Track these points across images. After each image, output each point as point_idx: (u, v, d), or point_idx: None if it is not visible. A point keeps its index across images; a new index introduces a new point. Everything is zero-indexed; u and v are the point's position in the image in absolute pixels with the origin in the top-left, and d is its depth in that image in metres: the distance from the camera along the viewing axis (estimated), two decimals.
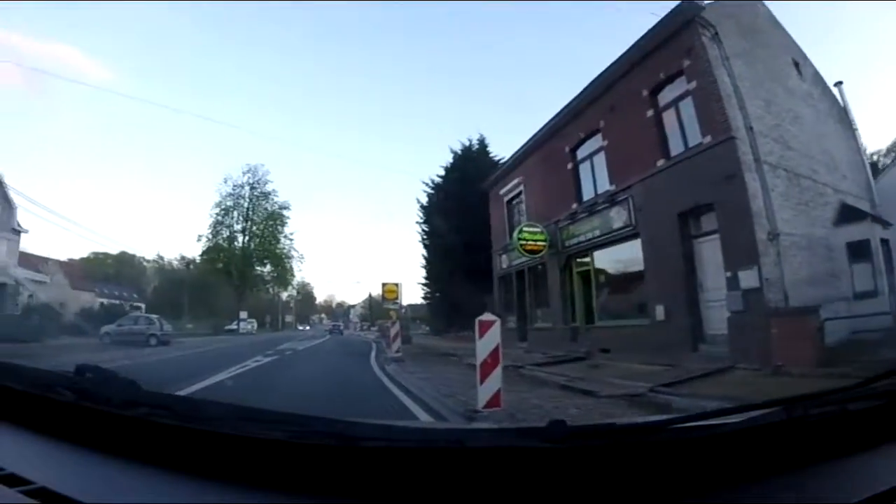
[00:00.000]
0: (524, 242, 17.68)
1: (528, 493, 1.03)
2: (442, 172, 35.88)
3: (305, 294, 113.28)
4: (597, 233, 15.65)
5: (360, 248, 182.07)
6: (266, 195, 64.72)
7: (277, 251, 64.33)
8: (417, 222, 38.94)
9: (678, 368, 9.98)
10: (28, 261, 42.36)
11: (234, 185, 63.14)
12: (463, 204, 30.32)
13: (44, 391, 1.36)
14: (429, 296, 42.17)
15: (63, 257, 56.50)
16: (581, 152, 17.09)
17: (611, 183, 15.11)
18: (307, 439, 1.15)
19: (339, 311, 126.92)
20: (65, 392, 1.33)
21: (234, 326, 53.85)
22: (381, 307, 75.98)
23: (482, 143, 35.57)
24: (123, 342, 23.74)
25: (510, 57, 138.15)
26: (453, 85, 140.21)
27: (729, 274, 10.80)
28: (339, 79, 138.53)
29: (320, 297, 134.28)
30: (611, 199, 14.87)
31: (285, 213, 65.24)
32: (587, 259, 16.62)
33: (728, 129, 10.98)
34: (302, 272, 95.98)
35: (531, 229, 17.81)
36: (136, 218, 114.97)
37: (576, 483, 1.05)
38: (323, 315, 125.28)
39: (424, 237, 38.44)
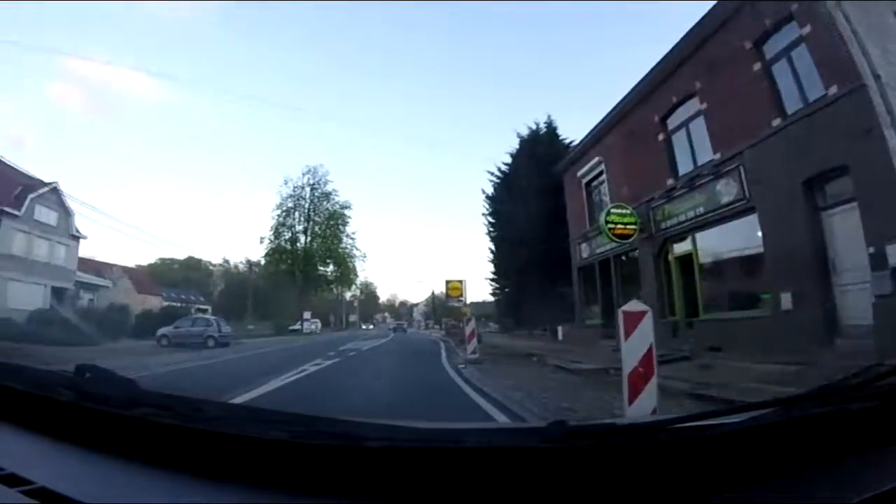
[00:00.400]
0: (613, 226, 16.32)
1: (529, 493, 1.04)
2: (508, 160, 34.82)
3: (368, 293, 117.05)
4: (700, 210, 14.15)
5: (423, 246, 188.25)
6: (327, 195, 66.59)
7: (339, 251, 66.33)
8: (483, 214, 37.85)
9: (816, 368, 8.61)
10: (91, 266, 46.05)
11: (295, 187, 65.60)
12: (533, 191, 29.08)
13: (44, 391, 1.39)
14: (497, 292, 41.23)
15: (132, 264, 62.22)
16: (674, 120, 15.62)
17: (714, 152, 13.64)
18: (308, 439, 1.16)
19: (401, 310, 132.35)
20: (65, 392, 1.35)
21: (297, 327, 55.57)
22: (444, 305, 76.80)
23: (550, 127, 34.00)
24: (181, 344, 24.33)
25: (574, 30, 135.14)
26: (514, 70, 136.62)
27: (872, 250, 9.37)
28: (392, 70, 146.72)
29: (383, 296, 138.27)
30: (716, 171, 13.38)
31: (346, 212, 67.37)
32: (688, 242, 15.11)
33: (857, 76, 9.66)
34: (365, 272, 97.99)
35: (620, 211, 16.52)
36: (203, 225, 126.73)
37: (576, 483, 1.05)
38: (386, 314, 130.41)
39: (491, 229, 37.42)
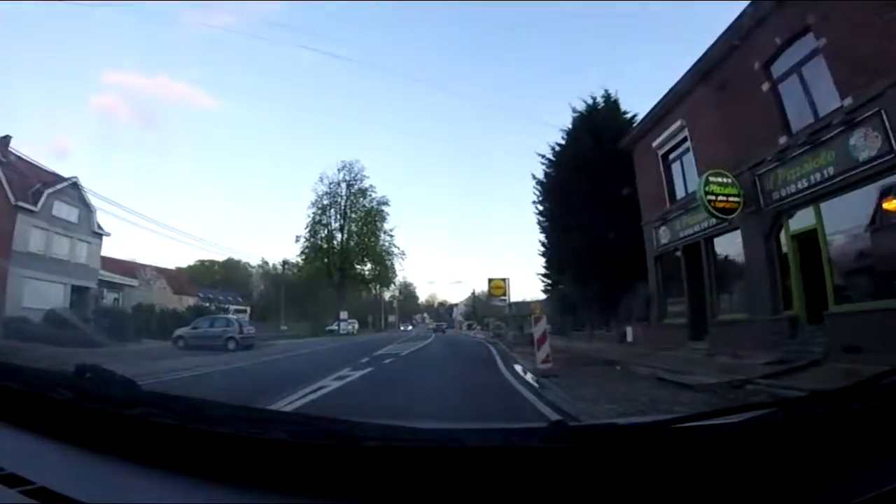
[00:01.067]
0: (713, 198, 14.18)
1: (529, 494, 1.06)
2: (561, 141, 31.30)
3: (408, 294, 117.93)
4: (827, 173, 11.87)
5: (462, 245, 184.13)
6: (363, 191, 67.29)
7: (377, 248, 67.39)
8: (534, 202, 34.60)
9: None
10: (124, 267, 46.28)
11: (330, 183, 66.68)
12: (592, 171, 26.18)
13: (44, 391, 1.45)
14: (549, 288, 38.92)
15: (172, 266, 63.50)
16: (781, 64, 13.40)
17: (842, 97, 11.49)
18: (308, 439, 1.20)
19: (440, 311, 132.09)
20: (64, 392, 1.42)
21: (334, 327, 56.49)
22: (486, 305, 74.91)
23: (609, 100, 30.37)
24: (199, 346, 23.25)
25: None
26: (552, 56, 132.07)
27: None
28: (427, 58, 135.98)
29: (422, 296, 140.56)
30: (847, 120, 11.20)
31: (384, 209, 68.27)
32: (809, 214, 12.84)
33: None
34: (404, 270, 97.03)
35: (721, 179, 14.46)
36: (244, 227, 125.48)
37: (576, 483, 1.08)
38: (425, 314, 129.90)
39: (542, 219, 34.55)
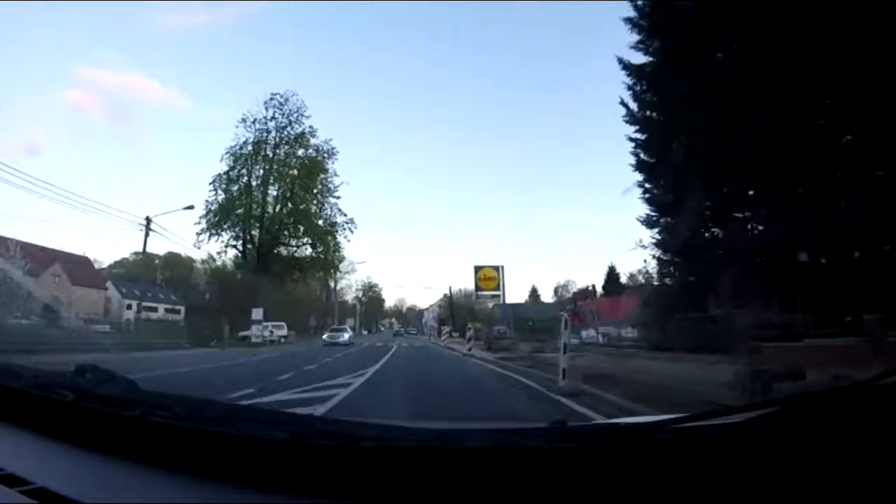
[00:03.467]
0: None
1: (529, 494, 1.08)
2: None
3: (373, 296, 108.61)
4: None
5: (434, 246, 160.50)
6: (301, 138, 48.37)
7: (318, 219, 49.13)
8: (626, 120, 20.23)
9: None
10: None
11: (258, 129, 47.56)
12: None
13: (43, 391, 1.46)
14: (669, 270, 22.04)
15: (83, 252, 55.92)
16: None
17: None
18: (307, 439, 1.22)
19: (409, 315, 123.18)
20: (64, 392, 1.42)
21: (251, 333, 38.22)
22: (466, 307, 61.94)
23: None
24: None
25: None
26: None
27: None
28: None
29: (391, 300, 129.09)
30: None
31: (330, 164, 49.67)
32: None
33: None
34: (351, 243, 71.69)
35: None
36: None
37: (576, 483, 1.09)
38: (393, 320, 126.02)
39: (641, 151, 20.06)
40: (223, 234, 44.31)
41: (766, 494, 1.06)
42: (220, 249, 45.70)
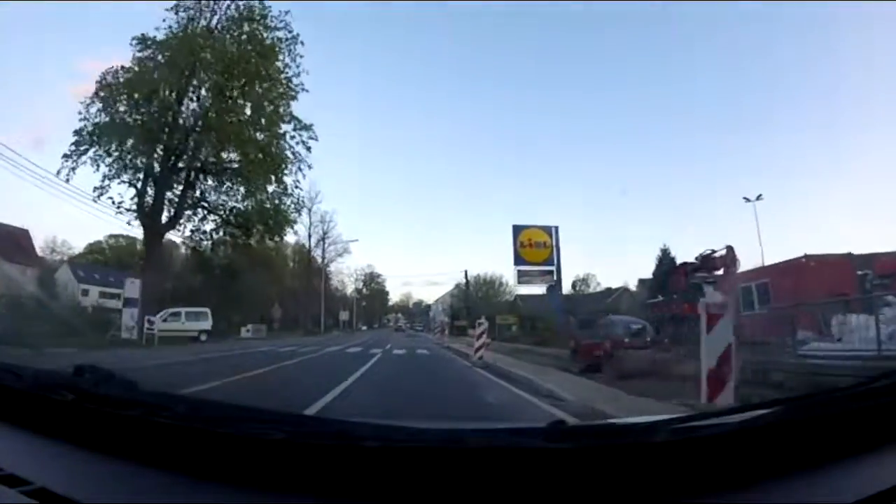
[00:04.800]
0: None
1: (528, 494, 1.09)
2: None
3: (376, 289, 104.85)
4: None
5: (442, 242, 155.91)
6: (249, 14, 31.30)
7: (264, 135, 31.45)
8: None
9: None
10: None
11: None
12: None
13: (43, 391, 1.46)
14: None
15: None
16: None
17: None
18: (308, 439, 1.22)
19: (415, 310, 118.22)
20: (64, 392, 1.42)
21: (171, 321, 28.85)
22: (483, 300, 53.25)
23: None
24: None
25: None
26: None
27: None
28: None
29: (396, 296, 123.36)
30: None
31: (290, 50, 32.27)
32: None
33: None
34: (305, 178, 39.94)
35: None
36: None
37: (575, 483, 1.10)
38: (399, 315, 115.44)
39: None
40: (102, 159, 27.80)
41: (766, 494, 1.07)
42: (98, 185, 27.96)
